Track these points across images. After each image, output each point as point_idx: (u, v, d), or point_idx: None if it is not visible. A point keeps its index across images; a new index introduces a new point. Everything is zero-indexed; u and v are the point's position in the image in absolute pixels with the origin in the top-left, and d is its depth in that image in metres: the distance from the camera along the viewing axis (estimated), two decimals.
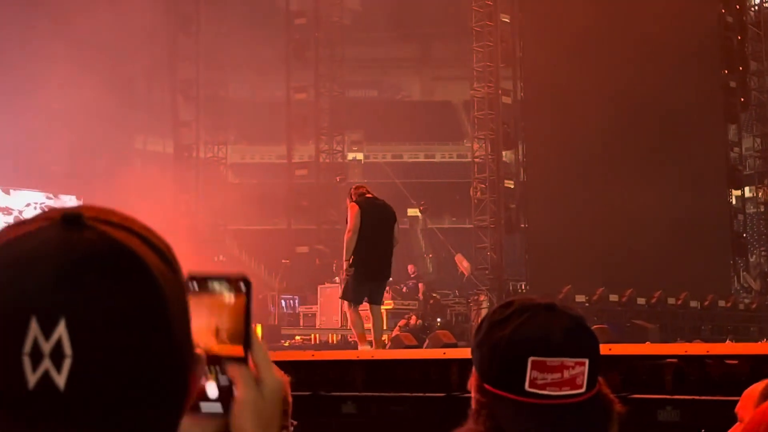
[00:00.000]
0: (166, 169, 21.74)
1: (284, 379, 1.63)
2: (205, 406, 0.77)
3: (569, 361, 1.22)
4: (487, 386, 1.26)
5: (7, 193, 19.52)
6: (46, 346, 0.63)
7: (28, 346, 0.63)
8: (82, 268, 0.65)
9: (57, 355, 0.64)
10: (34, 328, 0.63)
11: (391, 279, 8.50)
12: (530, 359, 1.22)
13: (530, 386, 1.22)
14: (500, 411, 1.25)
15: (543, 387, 1.22)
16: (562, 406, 1.21)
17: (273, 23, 22.25)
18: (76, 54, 18.15)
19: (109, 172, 18.99)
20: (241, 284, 0.81)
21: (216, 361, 0.77)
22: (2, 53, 18.30)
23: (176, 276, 0.71)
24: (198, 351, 0.74)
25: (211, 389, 0.77)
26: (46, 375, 0.63)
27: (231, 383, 0.77)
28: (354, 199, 7.80)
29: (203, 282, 0.78)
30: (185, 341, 0.70)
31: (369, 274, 7.54)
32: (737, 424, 2.09)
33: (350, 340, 16.03)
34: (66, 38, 18.02)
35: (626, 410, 1.29)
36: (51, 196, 19.80)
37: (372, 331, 7.65)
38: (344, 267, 7.67)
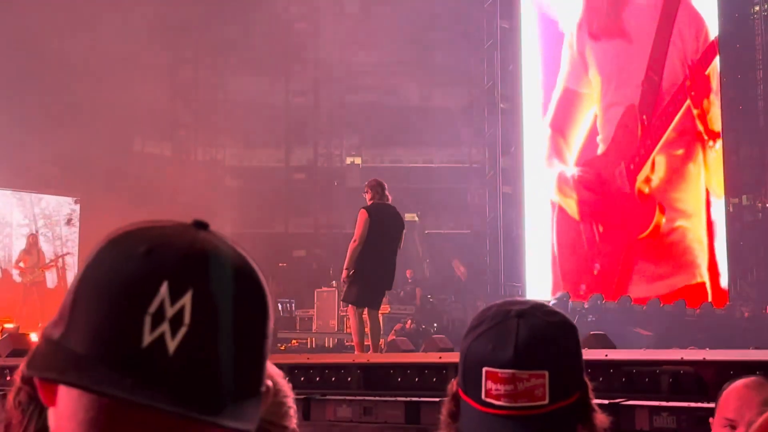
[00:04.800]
0: (164, 172, 21.73)
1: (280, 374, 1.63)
2: None
3: (522, 373, 1.19)
4: (460, 392, 1.27)
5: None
6: (170, 311, 0.68)
7: (153, 307, 0.68)
8: (213, 253, 0.72)
9: (176, 322, 0.68)
10: (163, 292, 0.69)
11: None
12: (484, 369, 1.21)
13: (486, 396, 1.21)
14: (465, 419, 1.24)
15: (498, 398, 1.20)
16: (521, 418, 1.19)
17: (272, 26, 22.25)
18: (73, 54, 18.15)
19: (107, 174, 18.98)
20: None
21: None
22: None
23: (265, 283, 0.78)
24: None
25: None
26: (160, 337, 0.68)
27: None
28: (368, 199, 7.79)
29: None
30: (268, 347, 0.76)
31: (373, 281, 7.54)
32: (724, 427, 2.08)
33: (347, 344, 16.05)
34: (62, 38, 18.02)
35: (610, 421, 1.27)
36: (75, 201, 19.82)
37: (369, 335, 7.65)
38: (344, 275, 7.64)
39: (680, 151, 17.24)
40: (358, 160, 25.85)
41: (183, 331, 0.68)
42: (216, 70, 22.21)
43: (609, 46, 18.27)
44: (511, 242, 20.10)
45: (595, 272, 17.73)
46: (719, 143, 17.63)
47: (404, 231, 7.87)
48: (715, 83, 17.92)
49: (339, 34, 21.38)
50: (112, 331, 0.68)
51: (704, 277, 17.41)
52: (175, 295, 0.69)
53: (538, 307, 1.28)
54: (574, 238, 17.99)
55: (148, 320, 0.68)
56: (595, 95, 18.31)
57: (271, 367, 1.63)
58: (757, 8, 22.46)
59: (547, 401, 1.20)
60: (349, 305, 7.71)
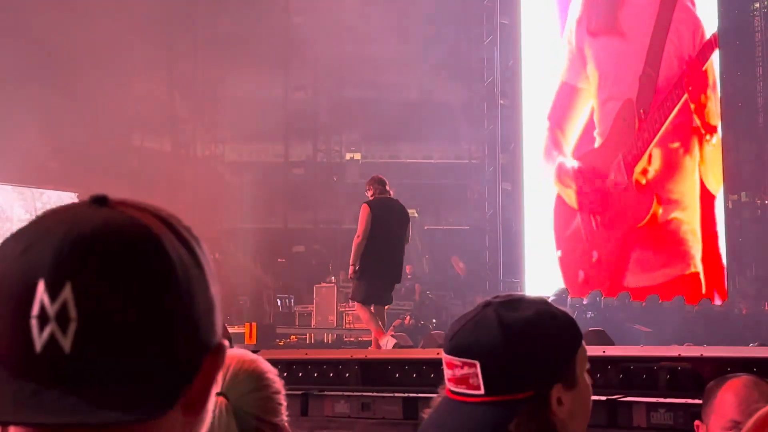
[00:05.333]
0: (163, 167, 21.72)
1: (273, 370, 1.63)
2: None
3: (455, 360, 1.25)
4: None
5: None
6: (52, 309, 0.65)
7: (36, 309, 0.66)
8: (94, 238, 0.68)
9: (62, 319, 0.65)
10: (40, 291, 0.66)
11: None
12: (441, 352, 1.31)
13: (446, 378, 1.30)
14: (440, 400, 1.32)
15: (449, 381, 1.28)
16: (461, 404, 1.25)
17: (271, 20, 22.22)
18: (72, 49, 18.13)
19: (105, 169, 18.96)
20: None
21: None
22: None
23: (197, 261, 0.72)
24: (225, 342, 0.74)
25: None
26: (52, 338, 0.65)
27: None
28: (370, 195, 7.75)
29: None
30: (199, 324, 0.71)
31: (380, 276, 7.51)
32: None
33: (346, 339, 16.06)
34: (62, 31, 18.00)
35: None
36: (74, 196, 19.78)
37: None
38: (350, 271, 7.60)
39: (676, 144, 17.54)
40: (357, 156, 25.87)
41: (73, 326, 0.65)
42: (214, 65, 22.17)
43: (607, 43, 18.52)
44: (510, 238, 20.12)
45: (593, 260, 17.89)
46: (716, 137, 17.77)
47: (410, 223, 7.83)
48: (711, 79, 18.06)
49: (338, 28, 21.37)
50: (5, 341, 0.66)
51: (698, 267, 17.65)
52: (53, 291, 0.66)
53: (515, 302, 1.29)
54: (572, 227, 18.17)
55: (34, 324, 0.65)
56: (593, 90, 18.53)
57: (263, 363, 1.64)
58: (757, 5, 22.45)
59: (482, 391, 1.22)
60: (356, 303, 7.70)
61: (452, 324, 1.31)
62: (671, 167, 17.51)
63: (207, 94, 22.42)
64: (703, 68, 17.92)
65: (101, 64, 18.79)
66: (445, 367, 1.28)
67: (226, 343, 0.75)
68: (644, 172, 17.48)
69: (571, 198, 18.32)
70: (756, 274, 21.96)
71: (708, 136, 17.72)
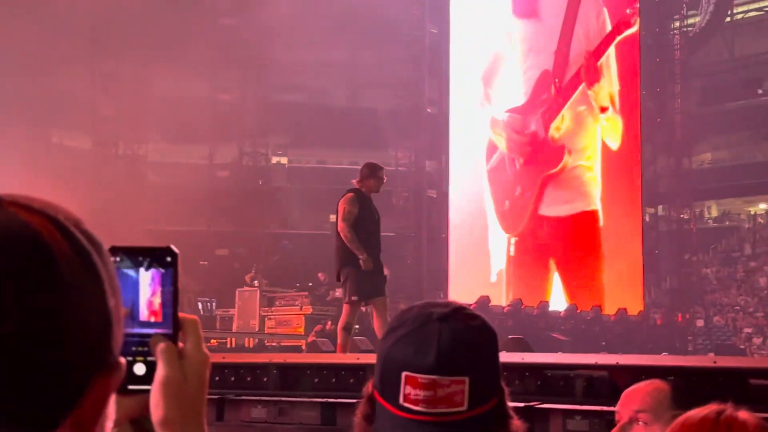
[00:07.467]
0: (83, 166, 21.18)
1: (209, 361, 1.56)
2: (132, 385, 0.76)
3: (443, 379, 1.17)
4: (375, 394, 1.24)
5: None
6: None
7: None
8: None
9: None
10: None
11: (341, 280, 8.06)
12: (403, 374, 1.18)
13: (404, 401, 1.18)
14: (380, 422, 1.22)
15: (416, 403, 1.18)
16: (437, 424, 1.17)
17: (199, 21, 21.92)
18: None
19: (23, 166, 18.39)
20: (167, 257, 0.78)
21: (144, 339, 0.77)
22: None
23: (92, 271, 0.66)
24: (121, 360, 0.69)
25: (138, 367, 0.77)
26: None
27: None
28: None
29: (125, 255, 0.76)
30: (89, 340, 0.65)
31: None
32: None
33: (267, 344, 15.89)
34: None
35: (526, 428, 1.26)
36: None
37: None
38: None
39: (583, 108, 20.86)
40: (284, 160, 25.70)
41: None
42: (140, 63, 21.74)
43: (529, 23, 21.25)
44: (434, 246, 20.26)
45: (516, 193, 20.39)
46: (608, 113, 21.08)
47: (339, 207, 7.59)
48: (606, 70, 21.16)
49: (267, 32, 21.22)
50: None
51: (597, 206, 20.84)
52: None
53: (460, 311, 1.25)
54: (501, 168, 20.63)
55: None
56: (517, 61, 21.04)
57: (200, 348, 1.56)
58: (677, 24, 23.21)
59: (465, 407, 1.18)
60: None
61: (411, 341, 1.19)
62: (579, 126, 20.91)
63: (131, 93, 21.93)
64: (598, 63, 21.02)
65: (20, 59, 18.24)
66: (416, 389, 1.17)
67: (123, 361, 0.69)
68: (558, 129, 20.68)
69: (500, 143, 20.79)
70: (671, 286, 22.62)
71: (601, 115, 21.07)
